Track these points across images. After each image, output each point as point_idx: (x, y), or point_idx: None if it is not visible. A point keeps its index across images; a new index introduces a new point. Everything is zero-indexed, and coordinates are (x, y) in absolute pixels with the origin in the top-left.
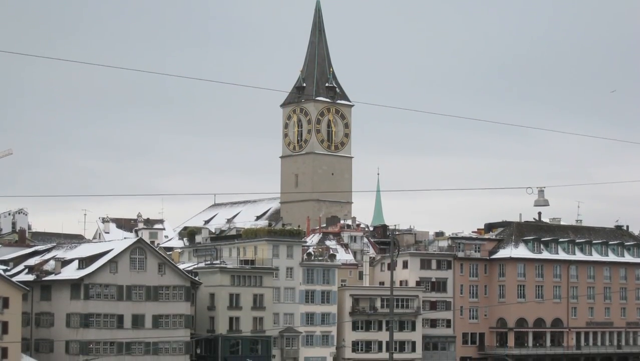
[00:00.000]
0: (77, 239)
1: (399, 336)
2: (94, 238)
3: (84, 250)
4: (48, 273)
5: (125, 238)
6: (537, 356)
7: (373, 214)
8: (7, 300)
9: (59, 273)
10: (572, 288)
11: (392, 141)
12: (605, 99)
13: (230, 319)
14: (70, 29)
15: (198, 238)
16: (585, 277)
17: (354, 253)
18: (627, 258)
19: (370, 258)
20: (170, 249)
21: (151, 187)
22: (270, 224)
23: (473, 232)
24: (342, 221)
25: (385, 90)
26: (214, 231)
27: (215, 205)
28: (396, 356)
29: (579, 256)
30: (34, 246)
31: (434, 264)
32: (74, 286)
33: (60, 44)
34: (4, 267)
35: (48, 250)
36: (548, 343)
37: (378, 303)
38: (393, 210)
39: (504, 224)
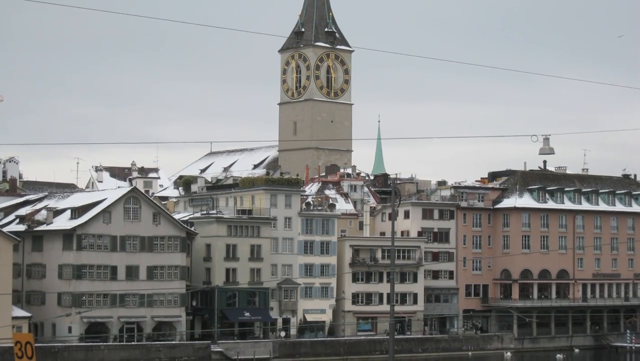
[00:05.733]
0: (70, 188)
1: (400, 288)
2: (87, 187)
3: (77, 200)
4: (39, 223)
5: (119, 187)
6: (542, 308)
7: (374, 163)
8: None
9: (51, 223)
10: (578, 238)
11: (393, 87)
12: (613, 45)
13: (227, 270)
14: None
15: (194, 187)
16: (591, 227)
17: (354, 203)
18: (635, 207)
19: (370, 207)
20: (165, 198)
21: (146, 135)
22: (268, 173)
23: (476, 181)
24: (341, 170)
25: (386, 35)
26: (210, 180)
27: (212, 153)
28: (397, 308)
29: (585, 205)
30: (25, 195)
31: (436, 214)
32: (66, 236)
33: None
34: None
35: (40, 200)
36: (553, 295)
37: (379, 254)
38: (394, 158)
39: (508, 173)
